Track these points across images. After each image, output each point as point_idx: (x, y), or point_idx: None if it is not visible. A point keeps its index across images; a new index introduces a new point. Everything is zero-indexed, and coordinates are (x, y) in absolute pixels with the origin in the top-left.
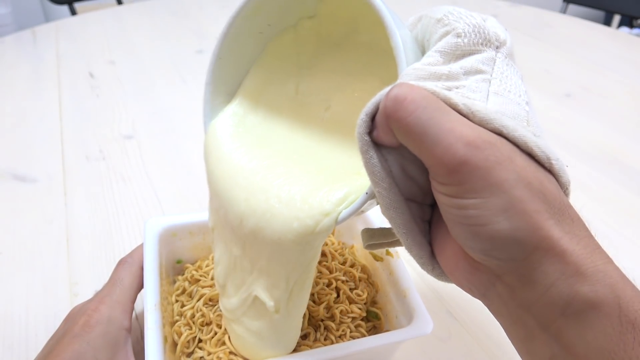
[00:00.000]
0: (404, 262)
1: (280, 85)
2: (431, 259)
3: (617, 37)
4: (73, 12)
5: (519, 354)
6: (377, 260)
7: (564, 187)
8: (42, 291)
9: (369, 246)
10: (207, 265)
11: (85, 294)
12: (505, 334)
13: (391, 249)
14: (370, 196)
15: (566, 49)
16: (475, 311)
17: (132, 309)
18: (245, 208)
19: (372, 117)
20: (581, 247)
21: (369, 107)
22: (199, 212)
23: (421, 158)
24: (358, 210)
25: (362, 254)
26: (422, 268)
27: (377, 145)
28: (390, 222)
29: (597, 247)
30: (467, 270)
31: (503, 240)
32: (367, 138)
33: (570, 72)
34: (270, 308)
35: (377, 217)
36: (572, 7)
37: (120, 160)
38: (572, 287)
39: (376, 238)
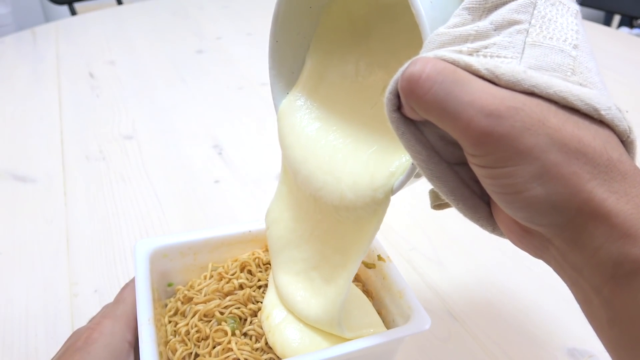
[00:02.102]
0: (397, 265)
1: (341, 62)
2: (490, 220)
3: (617, 37)
4: (73, 12)
5: (585, 315)
6: (370, 268)
7: (623, 136)
8: (42, 291)
9: (436, 206)
10: (199, 284)
11: (85, 294)
12: (504, 333)
13: (382, 254)
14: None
15: None
16: (475, 311)
17: (136, 325)
18: (319, 180)
19: (398, 94)
20: (631, 206)
21: (391, 85)
22: (189, 232)
23: (447, 132)
24: (409, 181)
25: None
26: (483, 229)
27: (409, 119)
28: (438, 191)
29: None
30: (519, 234)
31: (540, 206)
32: (395, 115)
33: None
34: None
35: None
36: None
37: (120, 160)
38: (620, 249)
39: (442, 198)
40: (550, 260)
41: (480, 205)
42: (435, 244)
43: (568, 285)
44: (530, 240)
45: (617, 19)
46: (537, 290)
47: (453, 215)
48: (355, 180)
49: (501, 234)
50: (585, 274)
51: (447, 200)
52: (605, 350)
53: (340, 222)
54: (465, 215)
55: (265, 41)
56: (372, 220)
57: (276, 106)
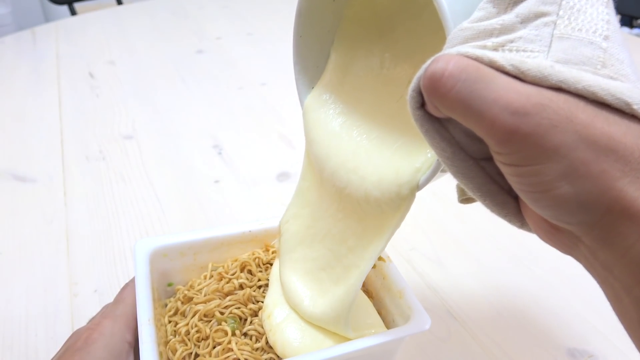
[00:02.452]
0: (397, 265)
1: (366, 55)
2: (518, 216)
3: None
4: (73, 12)
5: (615, 314)
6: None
7: None
8: (42, 291)
9: (463, 200)
10: (199, 284)
11: (85, 294)
12: (504, 333)
13: (382, 254)
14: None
15: None
16: (475, 311)
17: (136, 325)
18: (342, 179)
19: (421, 91)
20: None
21: (414, 82)
22: (189, 232)
23: (472, 129)
24: (434, 177)
25: None
26: (512, 224)
27: (433, 116)
28: (464, 188)
29: None
30: (548, 231)
31: (568, 205)
32: (419, 112)
33: None
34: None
35: None
36: None
37: (120, 160)
38: None
39: None
40: (580, 257)
41: (508, 201)
42: (435, 244)
43: (598, 283)
44: (559, 237)
45: (617, 19)
46: (537, 290)
47: (453, 215)
48: (380, 177)
49: (530, 230)
50: (615, 272)
51: (473, 197)
52: (604, 348)
53: (361, 220)
54: (493, 211)
55: (265, 41)
56: (395, 216)
57: (301, 101)
